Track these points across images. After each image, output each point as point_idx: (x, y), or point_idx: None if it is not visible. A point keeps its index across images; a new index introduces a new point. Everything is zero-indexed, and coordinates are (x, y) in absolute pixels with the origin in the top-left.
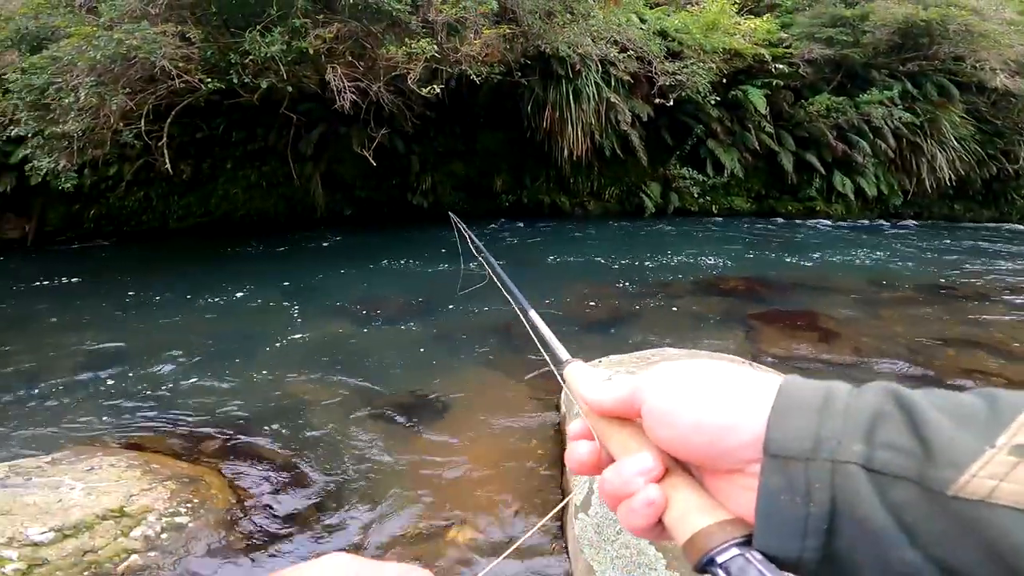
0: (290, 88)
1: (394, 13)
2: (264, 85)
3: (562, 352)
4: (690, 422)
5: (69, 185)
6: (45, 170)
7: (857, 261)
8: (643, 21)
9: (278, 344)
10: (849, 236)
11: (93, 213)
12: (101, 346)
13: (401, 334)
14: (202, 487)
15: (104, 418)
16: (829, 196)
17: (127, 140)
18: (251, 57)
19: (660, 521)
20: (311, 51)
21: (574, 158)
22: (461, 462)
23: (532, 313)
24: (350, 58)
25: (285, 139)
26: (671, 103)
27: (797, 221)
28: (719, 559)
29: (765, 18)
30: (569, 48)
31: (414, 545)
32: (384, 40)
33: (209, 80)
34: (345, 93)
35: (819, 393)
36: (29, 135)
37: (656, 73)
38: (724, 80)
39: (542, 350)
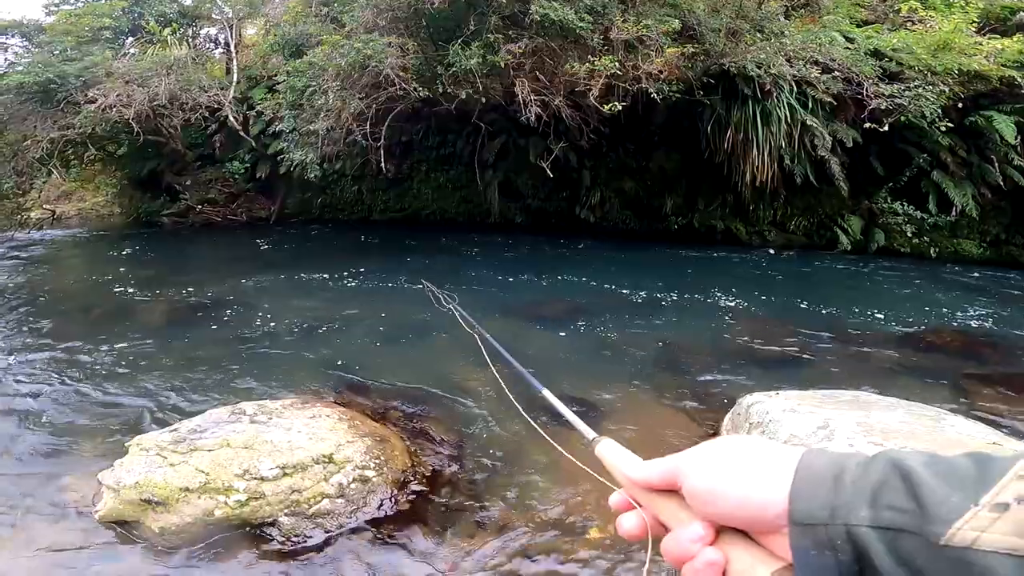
0: (483, 99)
1: (577, 31)
2: (463, 95)
3: (587, 431)
4: (728, 504)
5: (314, 175)
6: (297, 161)
7: None
8: (849, 40)
9: (445, 333)
10: None
11: (320, 201)
12: (313, 312)
13: (561, 339)
14: (388, 448)
15: (316, 373)
16: None
17: (355, 139)
18: (453, 69)
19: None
20: (502, 64)
21: (757, 183)
22: None
23: (546, 393)
24: (535, 73)
25: (471, 147)
26: (885, 128)
27: None
28: None
29: (1016, 38)
30: (758, 68)
31: (560, 536)
32: (567, 56)
33: (419, 88)
34: (531, 106)
35: (832, 469)
36: (287, 131)
37: (868, 95)
38: (960, 105)
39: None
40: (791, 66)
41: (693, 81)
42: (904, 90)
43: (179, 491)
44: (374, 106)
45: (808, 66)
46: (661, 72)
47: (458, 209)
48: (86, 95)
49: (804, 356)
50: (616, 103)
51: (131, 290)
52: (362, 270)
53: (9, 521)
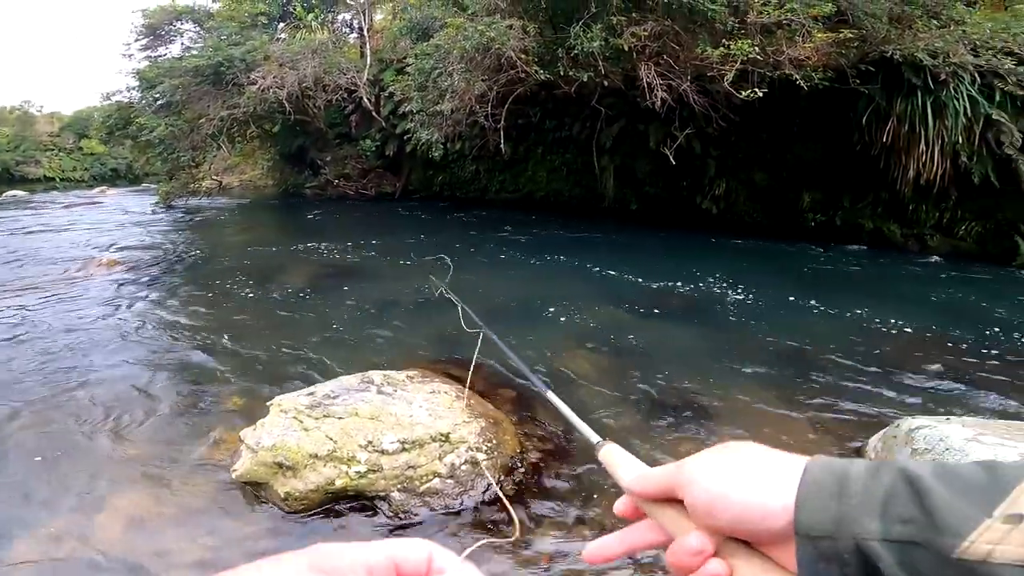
0: (604, 83)
1: (709, 14)
2: (583, 78)
3: (591, 434)
4: (729, 516)
5: (437, 154)
6: (423, 141)
7: None
8: None
9: (562, 317)
10: None
11: (440, 179)
12: (427, 283)
13: (674, 334)
14: (499, 431)
15: (432, 344)
16: None
17: (476, 120)
18: (574, 51)
19: None
20: (625, 48)
21: (922, 181)
22: None
23: (551, 395)
24: (660, 56)
25: (588, 131)
26: None
27: None
28: None
29: None
30: (932, 57)
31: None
32: (698, 40)
33: (540, 71)
34: (657, 90)
35: (838, 476)
36: (414, 111)
37: None
38: None
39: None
40: (976, 56)
41: (847, 68)
42: None
43: (308, 457)
44: (495, 88)
45: (1001, 57)
46: (808, 58)
47: (572, 192)
48: (248, 77)
49: (972, 378)
50: (757, 90)
51: (277, 253)
52: (471, 248)
53: (155, 470)
